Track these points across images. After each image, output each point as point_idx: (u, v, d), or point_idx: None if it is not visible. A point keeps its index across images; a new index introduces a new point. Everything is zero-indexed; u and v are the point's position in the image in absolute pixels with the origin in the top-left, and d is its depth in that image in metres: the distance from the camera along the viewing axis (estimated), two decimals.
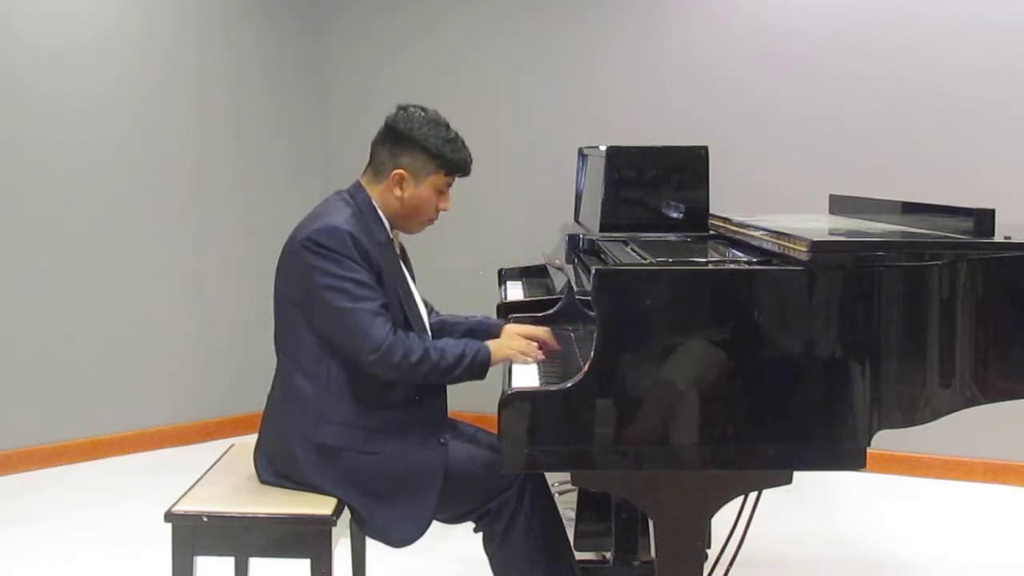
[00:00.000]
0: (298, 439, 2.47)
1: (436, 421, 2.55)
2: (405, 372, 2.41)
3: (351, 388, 2.46)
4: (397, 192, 2.54)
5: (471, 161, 2.60)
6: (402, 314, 2.52)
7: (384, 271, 2.49)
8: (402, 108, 2.57)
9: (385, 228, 2.56)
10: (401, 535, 2.49)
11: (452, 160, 2.55)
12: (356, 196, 2.56)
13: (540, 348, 2.59)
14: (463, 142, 2.58)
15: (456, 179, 2.60)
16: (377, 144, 2.59)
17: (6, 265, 4.51)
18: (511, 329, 2.67)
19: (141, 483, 4.36)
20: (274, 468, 2.55)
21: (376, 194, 2.56)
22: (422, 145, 2.52)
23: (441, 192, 2.58)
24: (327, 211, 2.51)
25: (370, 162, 2.60)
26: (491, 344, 2.54)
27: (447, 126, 2.57)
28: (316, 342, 2.46)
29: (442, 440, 2.52)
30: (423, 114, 2.56)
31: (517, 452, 2.13)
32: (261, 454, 2.59)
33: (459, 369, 2.47)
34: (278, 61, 5.26)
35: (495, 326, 2.74)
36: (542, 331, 2.66)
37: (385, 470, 2.46)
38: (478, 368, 2.49)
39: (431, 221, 2.63)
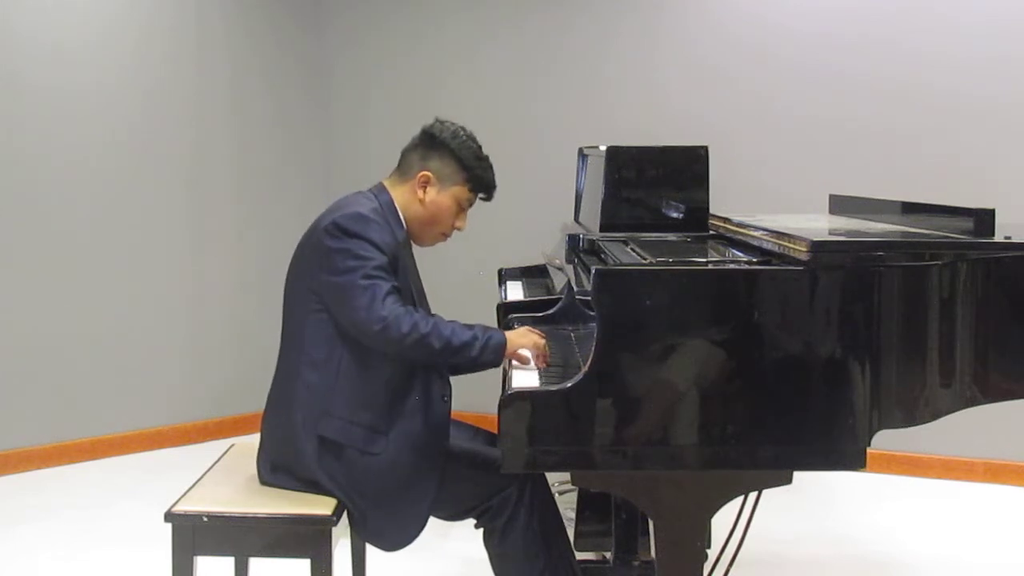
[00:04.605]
0: (301, 429, 2.46)
1: (438, 428, 2.53)
2: (412, 346, 2.38)
3: (359, 382, 2.45)
4: (420, 194, 2.57)
5: (495, 186, 2.64)
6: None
7: (401, 266, 2.50)
8: (440, 120, 2.63)
9: (404, 229, 2.57)
10: (392, 540, 2.50)
11: (479, 176, 2.60)
12: (379, 196, 2.59)
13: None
14: (492, 166, 2.63)
15: (477, 201, 2.64)
16: (409, 149, 2.64)
17: (5, 265, 4.50)
18: (523, 329, 2.67)
19: (141, 483, 4.37)
20: (275, 461, 2.54)
21: (399, 196, 2.59)
22: (455, 153, 2.57)
23: (461, 207, 2.62)
24: (351, 202, 2.53)
25: (399, 165, 2.64)
26: (507, 333, 2.54)
27: (480, 147, 2.62)
28: (331, 331, 2.45)
29: (442, 448, 2.51)
30: (461, 129, 2.62)
31: (517, 452, 2.13)
32: (262, 449, 2.59)
33: (473, 349, 2.44)
34: (278, 61, 5.26)
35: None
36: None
37: (382, 473, 2.45)
38: (491, 352, 2.46)
39: (444, 236, 2.66)
